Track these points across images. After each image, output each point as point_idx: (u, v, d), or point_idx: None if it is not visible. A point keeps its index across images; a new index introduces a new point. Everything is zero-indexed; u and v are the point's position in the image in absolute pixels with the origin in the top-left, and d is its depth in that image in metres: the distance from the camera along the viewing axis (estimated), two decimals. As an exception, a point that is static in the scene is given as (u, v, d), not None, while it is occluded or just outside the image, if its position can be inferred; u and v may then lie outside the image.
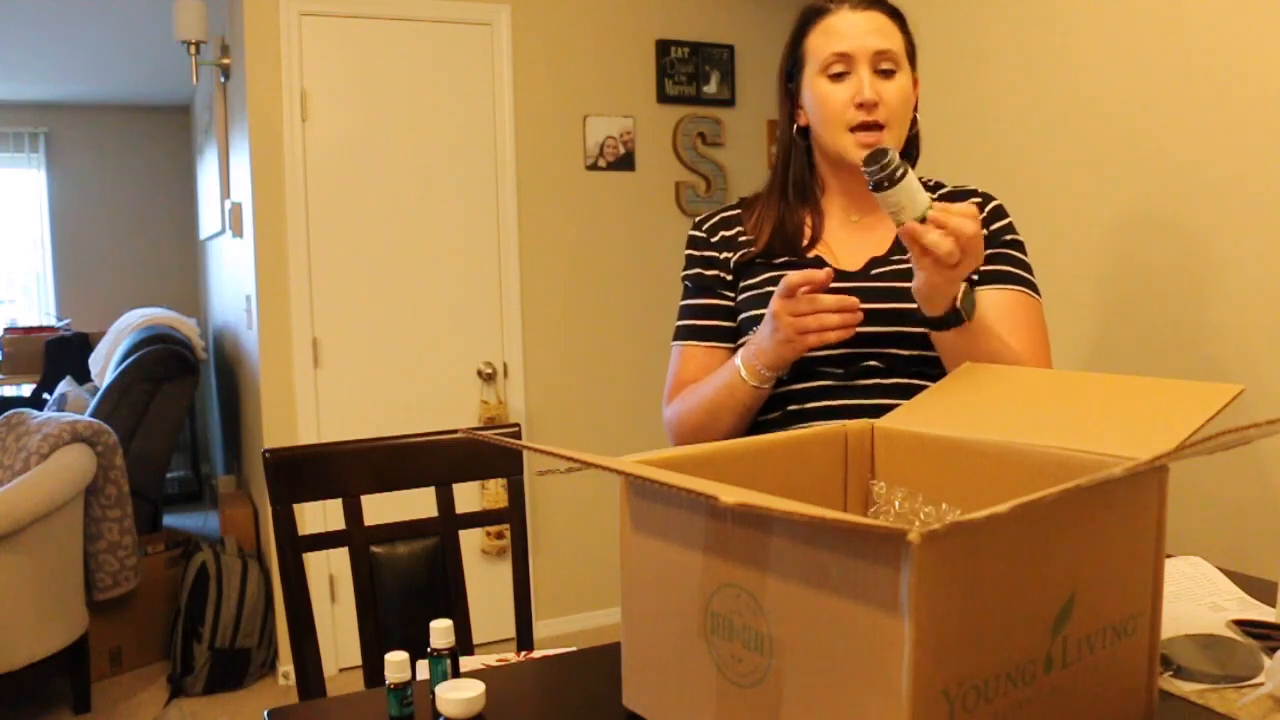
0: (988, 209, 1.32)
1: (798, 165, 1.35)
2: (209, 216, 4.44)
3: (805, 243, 1.32)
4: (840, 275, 1.27)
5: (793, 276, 1.12)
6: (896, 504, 0.96)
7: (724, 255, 1.36)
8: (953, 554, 0.62)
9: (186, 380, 3.40)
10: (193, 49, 3.19)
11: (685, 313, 1.39)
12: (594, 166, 3.31)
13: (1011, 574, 0.66)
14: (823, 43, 1.27)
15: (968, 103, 2.42)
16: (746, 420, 1.27)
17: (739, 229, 1.37)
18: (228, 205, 3.53)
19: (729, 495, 0.58)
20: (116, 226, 5.91)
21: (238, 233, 3.39)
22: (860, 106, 1.25)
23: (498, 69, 3.18)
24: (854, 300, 1.13)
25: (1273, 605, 1.01)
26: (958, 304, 1.12)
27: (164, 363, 3.34)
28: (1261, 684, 0.83)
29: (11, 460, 2.73)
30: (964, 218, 1.03)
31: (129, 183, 5.91)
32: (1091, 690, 0.73)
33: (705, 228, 1.40)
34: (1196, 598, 1.05)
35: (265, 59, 2.90)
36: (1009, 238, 1.31)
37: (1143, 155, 2.01)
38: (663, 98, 3.35)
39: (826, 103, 1.26)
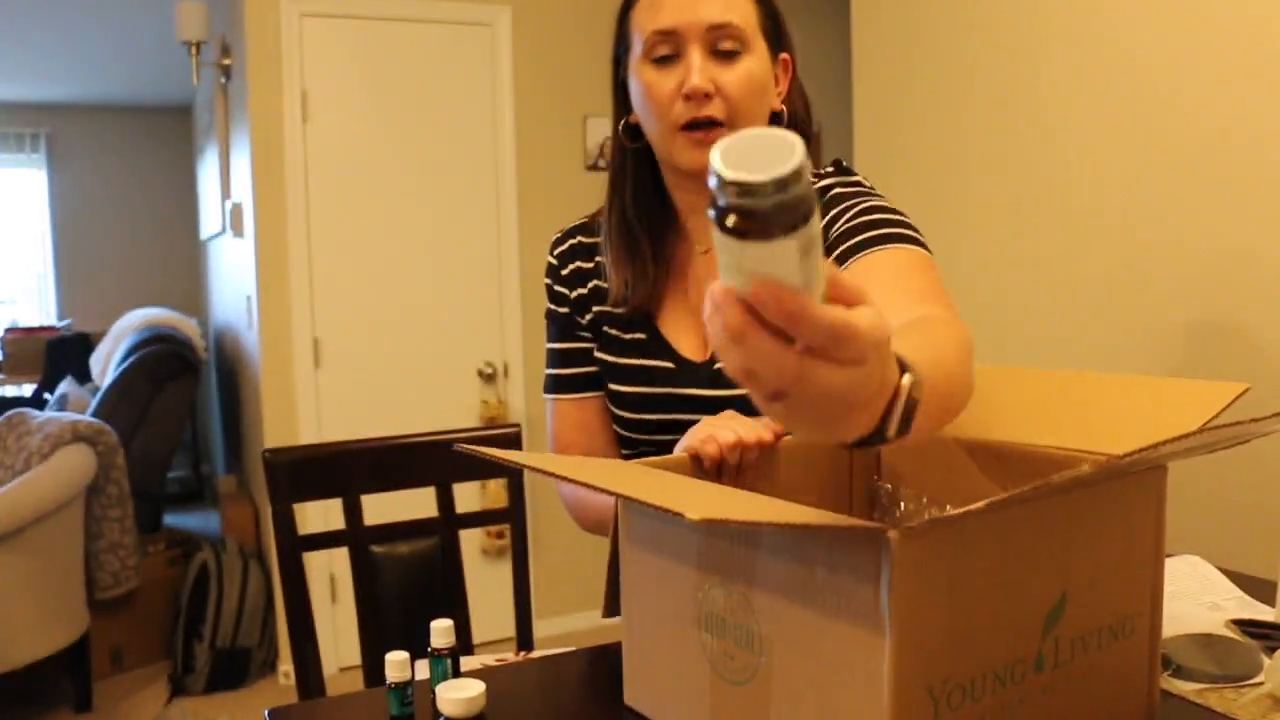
0: (831, 194, 1.04)
1: (636, 178, 1.12)
2: (210, 217, 4.44)
3: (656, 303, 1.09)
4: (681, 368, 1.07)
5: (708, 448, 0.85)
6: (902, 505, 0.96)
7: (575, 293, 1.17)
8: (934, 552, 0.62)
9: (187, 380, 3.41)
10: (193, 50, 3.19)
11: (549, 358, 1.21)
12: (594, 167, 3.32)
13: (997, 573, 0.66)
14: (645, 18, 1.03)
15: (966, 94, 2.42)
16: None
17: (583, 263, 1.17)
18: (228, 205, 3.54)
19: (695, 511, 0.55)
20: (118, 227, 5.92)
21: (238, 233, 3.39)
22: (688, 98, 1.00)
23: (498, 70, 3.18)
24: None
25: (1272, 605, 1.02)
26: (888, 428, 0.57)
27: (165, 363, 3.34)
28: (1261, 683, 0.83)
29: (13, 460, 2.74)
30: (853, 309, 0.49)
31: (130, 183, 5.92)
32: (1087, 692, 0.73)
33: (557, 254, 1.20)
34: (1195, 597, 1.05)
35: (266, 59, 2.91)
36: (850, 207, 1.01)
37: (1150, 153, 2.01)
38: (663, 98, 3.35)
39: (649, 95, 1.03)
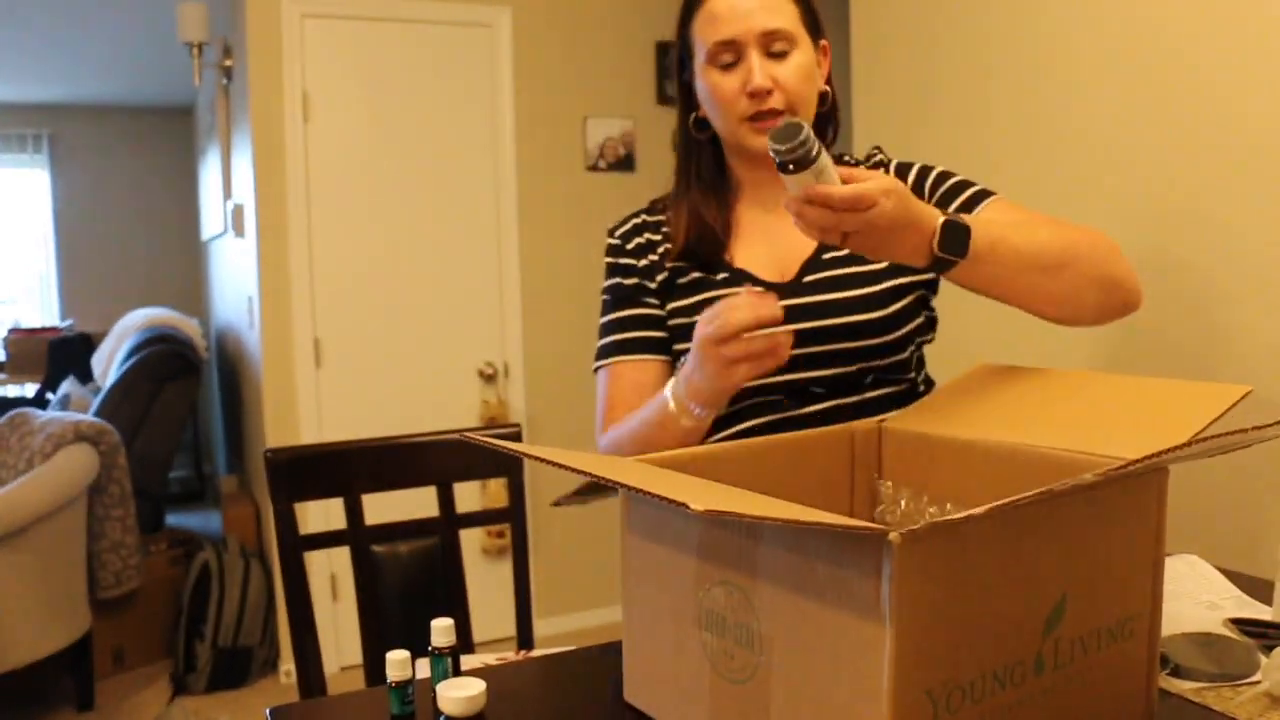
0: (892, 171, 1.23)
1: (703, 161, 1.28)
2: (211, 217, 4.45)
3: (722, 241, 1.23)
4: (770, 287, 1.19)
5: (732, 317, 0.96)
6: (903, 504, 0.97)
7: (642, 263, 1.26)
8: (934, 554, 0.62)
9: (189, 380, 3.41)
10: (195, 50, 3.20)
11: (606, 329, 1.27)
12: (594, 167, 3.32)
13: (998, 575, 0.66)
14: (706, 31, 1.18)
15: (973, 93, 2.43)
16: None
17: (650, 235, 1.28)
18: (230, 206, 3.54)
19: (699, 502, 0.57)
20: (119, 227, 5.92)
21: (240, 233, 3.40)
22: (753, 95, 1.15)
23: (498, 70, 3.18)
24: (781, 332, 0.97)
25: (1269, 604, 1.02)
26: (935, 249, 0.94)
27: (167, 363, 3.35)
28: (1258, 682, 0.83)
29: (15, 460, 2.74)
30: (864, 182, 0.90)
31: (132, 184, 5.92)
32: (1086, 693, 0.73)
33: (619, 234, 1.30)
34: (1193, 596, 1.05)
35: (267, 60, 2.91)
36: (935, 174, 1.22)
37: (1151, 153, 2.01)
38: (663, 99, 3.35)
39: (717, 95, 1.18)
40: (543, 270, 3.26)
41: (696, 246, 1.23)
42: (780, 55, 1.16)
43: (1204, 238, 1.89)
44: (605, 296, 1.29)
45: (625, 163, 3.34)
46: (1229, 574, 1.12)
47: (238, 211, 3.37)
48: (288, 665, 3.01)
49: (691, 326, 1.15)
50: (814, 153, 0.87)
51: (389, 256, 3.09)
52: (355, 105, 3.03)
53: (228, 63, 3.42)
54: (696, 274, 1.23)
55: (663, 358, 1.24)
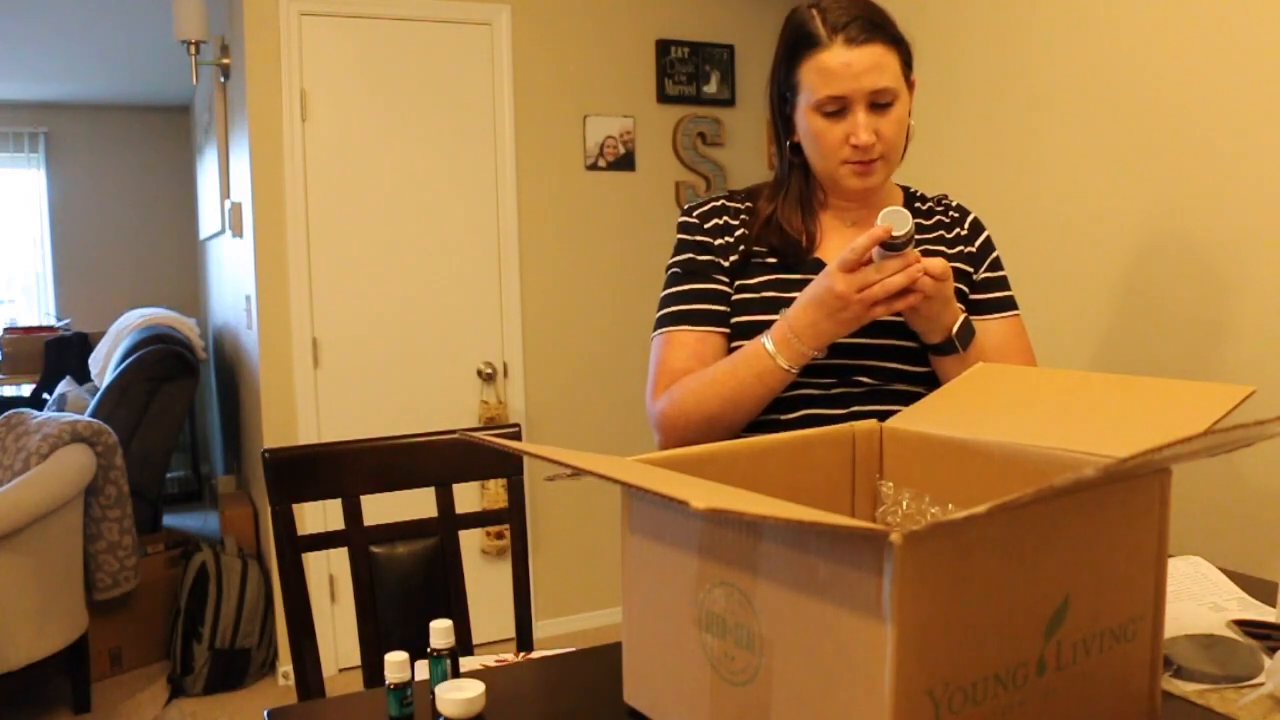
0: (968, 225, 1.36)
1: (794, 180, 1.34)
2: (209, 216, 4.44)
3: (805, 245, 1.30)
4: None
5: (853, 250, 1.11)
6: (904, 504, 0.96)
7: (718, 241, 1.32)
8: (936, 555, 0.62)
9: (186, 380, 3.40)
10: (192, 49, 3.19)
11: (672, 299, 1.33)
12: (594, 166, 3.31)
13: (1000, 576, 0.66)
14: (816, 81, 1.21)
15: (979, 101, 2.42)
16: (759, 412, 1.23)
17: (729, 219, 1.33)
18: (227, 205, 3.53)
19: (700, 500, 0.57)
20: (116, 226, 5.91)
21: (237, 232, 3.39)
22: (856, 148, 1.22)
23: (498, 69, 3.18)
24: (915, 255, 1.12)
25: (1273, 605, 1.01)
26: (953, 334, 1.19)
27: (164, 363, 3.34)
28: (1262, 684, 0.83)
29: (11, 460, 2.73)
30: (934, 274, 1.13)
31: (129, 183, 5.91)
32: (1089, 695, 0.72)
33: (697, 214, 1.36)
34: (1196, 598, 1.05)
35: (265, 59, 2.90)
36: (994, 256, 1.36)
37: (1158, 156, 2.01)
38: (663, 98, 3.34)
39: (821, 140, 1.24)
40: (542, 269, 3.26)
41: (780, 248, 1.30)
42: (883, 108, 1.22)
43: (1211, 233, 1.89)
44: (675, 270, 1.35)
45: (625, 161, 3.34)
46: (1232, 575, 1.12)
47: (235, 210, 3.36)
48: (286, 667, 3.00)
49: (752, 304, 1.28)
50: (910, 242, 1.10)
51: (388, 256, 3.09)
52: (354, 103, 3.02)
53: (225, 61, 3.42)
54: (771, 260, 1.30)
55: (724, 331, 1.29)
